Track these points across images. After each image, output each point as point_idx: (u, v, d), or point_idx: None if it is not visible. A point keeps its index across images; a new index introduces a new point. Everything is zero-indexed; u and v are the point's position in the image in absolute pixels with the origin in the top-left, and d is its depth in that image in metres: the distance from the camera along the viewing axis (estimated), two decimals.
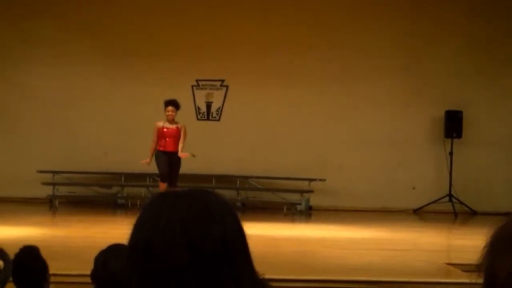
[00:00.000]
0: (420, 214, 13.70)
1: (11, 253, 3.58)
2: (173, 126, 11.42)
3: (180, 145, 11.42)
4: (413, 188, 13.99)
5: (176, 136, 11.42)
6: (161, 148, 11.42)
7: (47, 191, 13.48)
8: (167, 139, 11.39)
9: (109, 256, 3.05)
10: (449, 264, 7.74)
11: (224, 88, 14.33)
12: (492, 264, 1.28)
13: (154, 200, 1.43)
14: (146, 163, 11.43)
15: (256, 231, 9.07)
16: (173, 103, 11.42)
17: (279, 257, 7.56)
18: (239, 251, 1.39)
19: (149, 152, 11.49)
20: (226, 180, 13.78)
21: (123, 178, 13.79)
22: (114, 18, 14.06)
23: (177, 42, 14.08)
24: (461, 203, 13.61)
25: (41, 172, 13.46)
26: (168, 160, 11.33)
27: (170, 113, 11.40)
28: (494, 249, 1.30)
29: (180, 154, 11.39)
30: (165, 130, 11.42)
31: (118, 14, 14.09)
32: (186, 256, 1.34)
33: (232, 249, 1.37)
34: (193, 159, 13.91)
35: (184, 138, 11.45)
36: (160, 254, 1.34)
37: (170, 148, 11.37)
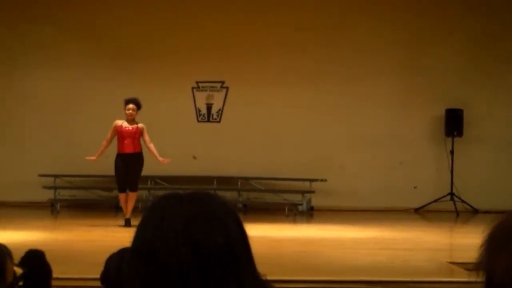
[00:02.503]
0: (422, 213, 13.70)
1: (15, 258, 3.58)
2: (133, 126, 10.78)
3: (152, 148, 10.82)
4: (415, 187, 13.99)
5: (135, 137, 10.74)
6: (119, 151, 10.76)
7: (48, 195, 13.48)
8: (126, 140, 10.71)
9: (123, 259, 3.05)
10: (451, 263, 7.73)
11: (225, 90, 14.33)
12: (489, 261, 1.29)
13: (157, 203, 1.43)
14: (91, 160, 10.91)
15: (258, 232, 9.07)
16: (134, 101, 10.78)
17: (281, 258, 7.56)
18: (242, 253, 1.39)
19: (98, 150, 10.90)
20: (227, 181, 13.78)
21: None
22: (113, 21, 14.07)
23: (176, 44, 14.08)
24: (463, 201, 13.60)
25: (43, 176, 13.47)
26: (125, 165, 10.66)
27: (130, 111, 10.71)
28: (490, 246, 1.30)
29: (161, 159, 10.84)
30: (124, 128, 10.72)
31: (117, 17, 14.09)
32: (190, 259, 1.34)
33: (235, 251, 1.38)
34: (194, 161, 13.94)
35: (150, 140, 10.84)
36: (163, 257, 1.35)
37: (128, 149, 10.68)
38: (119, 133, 10.75)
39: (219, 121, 14.34)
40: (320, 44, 14.03)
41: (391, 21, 14.06)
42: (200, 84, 14.32)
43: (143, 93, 13.64)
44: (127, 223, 10.57)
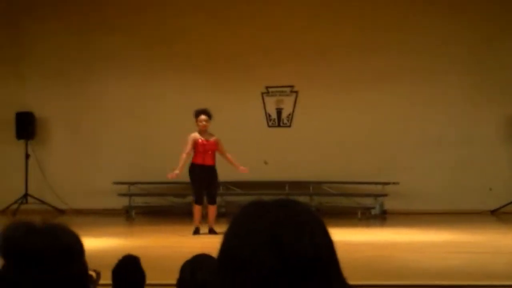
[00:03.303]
0: (498, 215, 13.40)
1: (93, 264, 3.65)
2: (211, 139, 10.66)
3: (231, 158, 10.77)
4: (490, 189, 13.69)
5: (214, 149, 10.64)
6: (199, 162, 10.54)
7: (123, 202, 13.73)
8: (207, 152, 10.56)
9: (196, 266, 3.09)
10: None
11: (294, 94, 14.34)
12: None
13: (244, 211, 1.45)
14: (175, 176, 10.62)
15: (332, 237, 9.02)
16: (206, 112, 10.62)
17: (355, 263, 7.50)
18: (329, 259, 1.40)
19: (180, 163, 10.60)
20: (299, 186, 13.77)
21: None
22: (182, 27, 14.24)
23: (245, 50, 14.17)
24: None
25: (117, 183, 13.72)
26: (205, 177, 10.51)
27: (204, 123, 10.55)
28: None
29: (242, 168, 10.84)
30: (204, 142, 10.57)
31: (185, 22, 14.26)
32: (278, 266, 1.35)
33: (322, 256, 1.38)
34: (266, 166, 13.98)
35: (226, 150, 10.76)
36: (251, 263, 1.36)
37: (209, 162, 10.55)
38: (200, 146, 10.57)
39: (289, 126, 14.35)
40: (389, 45, 13.91)
41: (459, 21, 13.84)
42: (270, 89, 14.37)
43: (212, 99, 13.79)
44: (213, 232, 10.51)
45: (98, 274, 2.33)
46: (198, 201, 10.74)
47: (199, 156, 10.61)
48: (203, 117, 10.60)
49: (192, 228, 10.69)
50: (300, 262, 1.35)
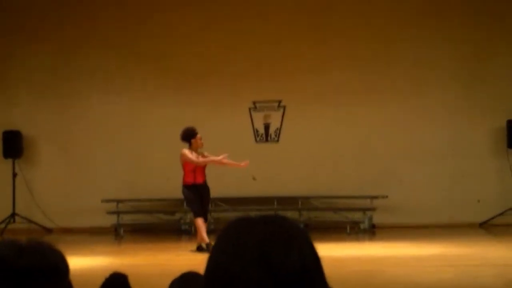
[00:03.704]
0: (487, 227, 13.43)
1: (81, 283, 3.63)
2: (200, 156, 10.69)
3: (226, 160, 10.75)
4: (478, 201, 13.73)
5: (203, 167, 10.71)
6: (190, 182, 10.58)
7: (112, 220, 13.67)
8: (199, 170, 10.63)
9: (184, 284, 3.07)
10: None
11: (282, 109, 14.36)
12: None
13: (230, 227, 1.44)
14: (245, 165, 10.84)
15: (320, 252, 9.01)
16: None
17: (344, 278, 7.49)
18: (316, 273, 1.40)
19: (212, 158, 10.69)
20: (287, 201, 13.76)
21: (185, 204, 13.87)
22: (169, 45, 14.25)
23: (233, 65, 14.19)
24: None
25: (106, 201, 13.67)
26: (200, 195, 10.56)
27: (202, 141, 10.66)
28: None
29: (243, 164, 10.82)
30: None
31: (176, 40, 14.27)
32: (266, 281, 1.34)
33: (310, 271, 1.38)
34: (254, 182, 13.96)
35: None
36: (239, 279, 1.35)
37: (200, 179, 10.63)
38: (189, 164, 10.56)
39: (277, 141, 14.36)
40: (378, 58, 13.96)
41: (449, 34, 13.92)
42: (257, 104, 14.38)
43: (200, 115, 13.80)
44: (202, 248, 10.43)
45: None
46: (199, 214, 10.58)
47: (190, 175, 10.60)
48: (200, 135, 10.67)
49: (195, 244, 10.50)
50: (288, 278, 1.36)
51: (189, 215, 13.86)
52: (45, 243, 1.65)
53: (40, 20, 14.50)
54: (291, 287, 1.35)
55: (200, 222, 10.49)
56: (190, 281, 3.05)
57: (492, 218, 13.43)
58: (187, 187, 10.63)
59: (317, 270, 1.41)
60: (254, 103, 14.38)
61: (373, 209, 13.39)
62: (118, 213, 13.67)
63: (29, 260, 1.56)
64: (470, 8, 14.01)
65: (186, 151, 10.64)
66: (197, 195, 10.54)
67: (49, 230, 13.92)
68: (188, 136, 10.68)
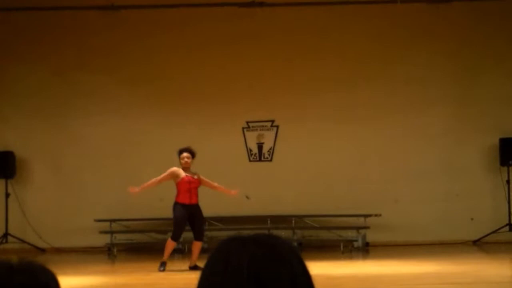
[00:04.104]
0: (480, 245, 13.44)
1: None
2: (194, 176, 10.62)
3: (218, 186, 10.75)
4: (472, 219, 13.75)
5: (198, 186, 10.59)
6: (186, 202, 10.44)
7: (105, 239, 13.63)
8: (193, 190, 10.51)
9: None
10: None
11: (275, 128, 14.39)
12: None
13: (221, 247, 1.45)
14: (133, 192, 10.68)
15: (314, 270, 8.97)
16: (189, 150, 10.63)
17: None
18: None
19: (146, 183, 10.66)
20: (281, 220, 13.75)
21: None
22: (163, 65, 14.29)
23: (225, 85, 14.22)
24: None
25: (99, 221, 13.63)
26: (191, 215, 10.46)
27: (185, 160, 10.50)
28: None
29: (233, 192, 10.84)
30: (190, 179, 10.51)
31: (166, 61, 14.32)
32: None
33: None
34: (247, 201, 13.96)
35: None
36: None
37: (195, 200, 10.52)
38: (186, 183, 10.50)
39: (270, 160, 14.37)
40: (370, 77, 14.03)
41: (441, 53, 14.00)
42: (251, 124, 14.41)
43: (194, 135, 13.81)
44: (198, 268, 10.41)
45: None
46: (176, 238, 10.71)
47: (185, 195, 10.52)
48: (185, 154, 10.58)
49: (158, 263, 10.52)
50: None
51: (183, 235, 13.81)
52: (36, 262, 1.66)
53: (34, 42, 14.51)
54: None
55: (171, 244, 10.58)
56: None
57: (486, 235, 13.45)
58: (178, 204, 10.55)
59: (307, 287, 1.41)
60: (247, 122, 14.40)
61: (366, 227, 13.40)
62: (111, 232, 13.64)
63: (20, 279, 1.57)
64: (461, 28, 14.10)
65: (173, 168, 10.66)
66: (186, 217, 10.48)
67: (42, 250, 13.87)
68: (178, 154, 10.70)
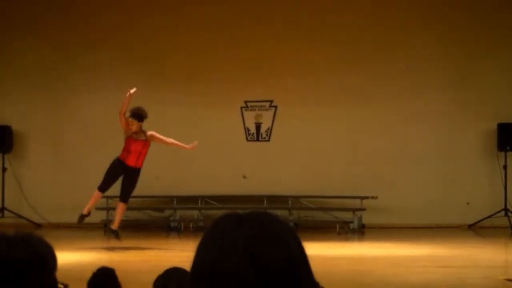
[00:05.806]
0: (476, 229, 13.47)
1: (73, 278, 3.62)
2: (141, 139, 10.40)
3: (175, 142, 10.53)
4: (468, 203, 13.78)
5: (141, 151, 10.39)
6: (121, 159, 10.36)
7: (101, 216, 13.64)
8: (132, 152, 10.33)
9: (168, 279, 3.08)
10: (508, 280, 7.59)
11: (273, 109, 14.37)
12: None
13: (217, 223, 1.44)
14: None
15: (309, 251, 9.02)
16: (134, 114, 10.40)
17: (334, 277, 7.50)
18: (303, 270, 1.40)
19: (125, 99, 10.53)
20: (277, 200, 13.77)
21: (175, 201, 13.89)
22: (163, 45, 14.25)
23: (225, 64, 14.19)
24: None
25: None
26: (127, 174, 10.37)
27: (132, 126, 10.36)
28: None
29: (189, 146, 10.44)
30: (133, 139, 10.35)
31: (166, 39, 14.27)
32: (252, 279, 1.34)
33: (297, 268, 1.38)
34: (244, 181, 13.98)
35: (166, 138, 10.48)
36: (225, 276, 1.35)
37: (131, 162, 10.40)
38: (127, 143, 10.39)
39: (268, 140, 14.37)
40: (368, 61, 13.99)
41: (441, 37, 13.96)
42: (249, 104, 14.39)
43: (192, 113, 13.81)
44: (116, 234, 10.46)
45: (65, 286, 2.31)
46: (104, 189, 10.55)
47: (132, 157, 10.39)
48: (130, 119, 10.38)
49: (78, 214, 10.57)
50: (275, 274, 1.35)
51: (178, 212, 13.87)
52: (33, 234, 1.65)
53: (34, 18, 14.45)
54: (278, 284, 1.35)
55: (97, 195, 10.54)
56: (173, 276, 3.06)
57: (481, 220, 13.48)
58: (120, 162, 10.45)
59: (304, 267, 1.41)
60: (246, 102, 14.38)
61: (363, 209, 13.42)
62: (107, 209, 13.64)
63: (17, 251, 1.56)
64: (460, 11, 14.05)
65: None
66: (118, 173, 10.34)
67: (38, 225, 13.88)
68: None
